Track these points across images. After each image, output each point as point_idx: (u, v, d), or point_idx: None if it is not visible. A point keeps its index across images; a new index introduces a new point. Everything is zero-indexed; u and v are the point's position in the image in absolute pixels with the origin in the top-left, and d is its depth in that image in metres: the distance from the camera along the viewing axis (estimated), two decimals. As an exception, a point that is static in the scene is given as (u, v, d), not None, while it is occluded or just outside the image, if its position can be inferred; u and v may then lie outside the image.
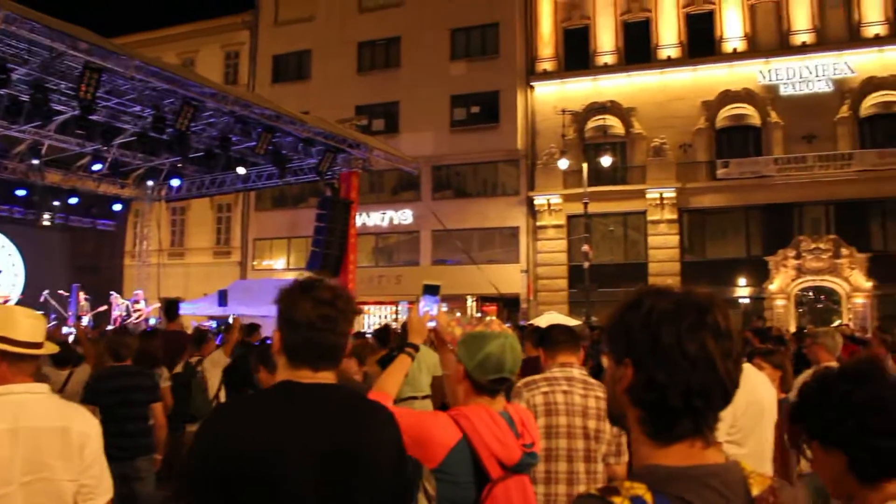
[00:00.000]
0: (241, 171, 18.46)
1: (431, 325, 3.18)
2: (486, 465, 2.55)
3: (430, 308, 3.29)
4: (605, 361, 2.58)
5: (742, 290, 28.31)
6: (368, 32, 33.47)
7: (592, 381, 3.96)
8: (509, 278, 28.65)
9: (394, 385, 2.98)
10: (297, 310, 2.08)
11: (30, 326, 2.77)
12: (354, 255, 19.06)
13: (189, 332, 10.40)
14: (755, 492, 1.31)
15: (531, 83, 31.24)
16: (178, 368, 8.00)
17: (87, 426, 2.82)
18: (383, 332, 9.48)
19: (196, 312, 22.54)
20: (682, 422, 1.31)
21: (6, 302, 16.98)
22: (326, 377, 2.11)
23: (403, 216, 31.93)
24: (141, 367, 6.44)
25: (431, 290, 3.49)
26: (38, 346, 2.78)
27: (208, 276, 32.72)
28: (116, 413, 5.62)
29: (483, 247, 30.40)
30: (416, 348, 3.10)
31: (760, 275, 27.47)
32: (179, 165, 19.48)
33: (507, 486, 2.59)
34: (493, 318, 3.04)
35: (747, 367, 4.48)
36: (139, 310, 18.70)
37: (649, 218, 29.00)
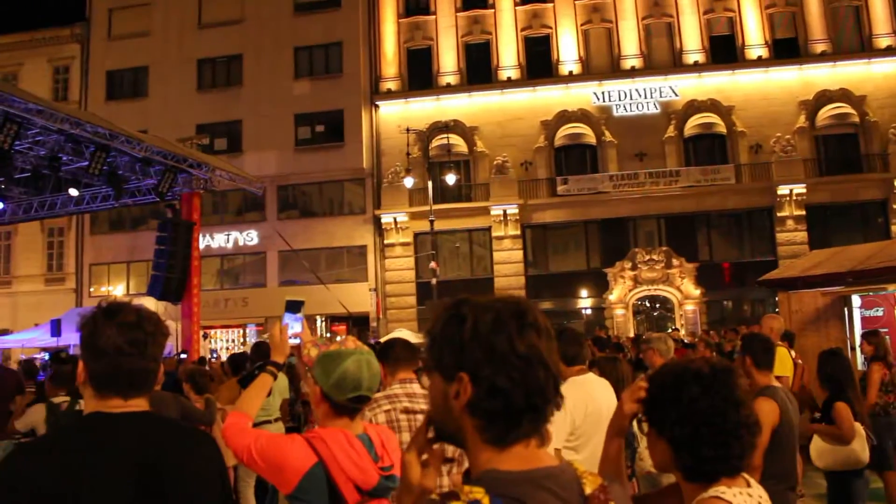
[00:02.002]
0: (73, 192, 17.47)
1: (294, 342, 3.10)
2: (343, 490, 2.50)
3: (291, 325, 3.21)
4: (425, 380, 2.59)
5: (584, 301, 29.56)
6: (209, 49, 32.62)
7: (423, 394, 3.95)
8: (358, 297, 28.54)
9: (254, 405, 2.89)
10: (101, 336, 1.96)
11: None
12: (198, 278, 18.44)
13: (15, 366, 9.71)
14: (588, 490, 1.37)
15: (375, 102, 31.46)
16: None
17: None
18: (238, 359, 9.21)
19: (26, 345, 21.14)
20: (521, 423, 1.35)
21: None
22: (139, 404, 2.01)
23: (249, 237, 31.23)
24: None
25: (293, 307, 3.41)
26: None
27: (39, 304, 30.71)
28: None
29: (331, 266, 30.21)
30: (279, 367, 3.02)
31: (601, 286, 28.77)
32: (2, 187, 18.19)
33: (366, 511, 2.56)
34: (348, 336, 2.99)
35: (589, 376, 4.65)
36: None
37: (494, 234, 29.78)
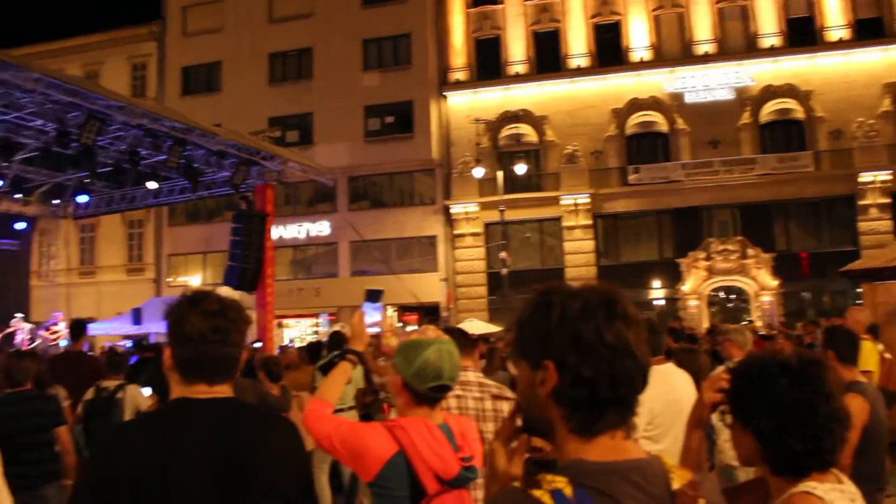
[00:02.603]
0: (152, 185, 17.94)
1: (374, 331, 3.12)
2: (423, 479, 2.51)
3: (371, 313, 3.23)
4: (513, 368, 2.56)
5: (657, 291, 29.09)
6: (280, 43, 33.09)
7: (488, 382, 3.92)
8: (429, 287, 28.68)
9: (334, 393, 2.92)
10: (187, 324, 2.02)
11: None
12: (272, 268, 18.75)
13: (98, 352, 10.03)
14: (676, 485, 1.35)
15: (444, 93, 31.46)
16: (89, 394, 7.50)
17: None
18: (314, 347, 9.41)
19: (109, 332, 21.84)
20: (608, 413, 1.34)
21: None
22: (222, 391, 2.06)
23: (320, 228, 31.62)
24: (41, 391, 6.13)
25: (373, 297, 3.44)
26: None
27: (121, 294, 31.72)
28: (17, 440, 5.34)
29: (401, 256, 30.41)
30: (359, 355, 3.04)
31: (673, 276, 28.27)
32: (87, 181, 18.79)
33: (445, 501, 2.55)
34: (429, 325, 2.99)
35: (669, 366, 4.58)
36: (57, 332, 17.91)
37: (564, 224, 29.52)
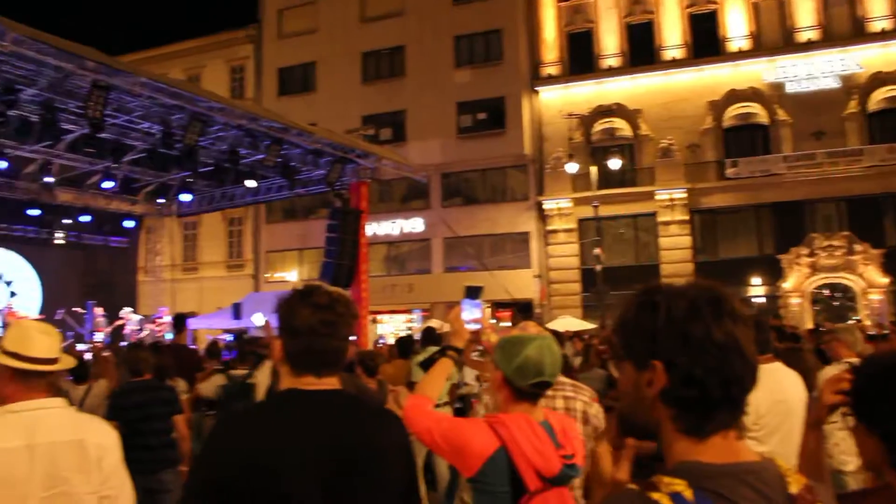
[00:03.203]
0: (250, 184, 18.43)
1: (473, 327, 3.12)
2: (524, 476, 2.49)
3: (470, 310, 3.23)
4: (616, 370, 2.49)
5: (756, 289, 28.19)
6: (372, 42, 33.52)
7: (581, 385, 3.85)
8: (521, 283, 28.60)
9: (435, 388, 2.93)
10: (297, 317, 2.07)
11: (43, 342, 2.74)
12: (366, 264, 19.01)
13: (201, 345, 10.39)
14: (793, 490, 1.31)
15: (536, 88, 31.25)
16: (221, 381, 7.94)
17: (103, 438, 2.81)
18: (406, 342, 9.53)
19: (211, 326, 22.57)
20: (719, 413, 1.32)
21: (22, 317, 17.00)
22: (330, 383, 2.10)
23: (414, 224, 31.90)
24: (160, 382, 6.44)
25: (473, 293, 3.43)
26: (52, 361, 2.74)
27: (222, 289, 32.77)
28: (139, 427, 5.62)
29: (494, 253, 30.38)
30: (459, 351, 3.04)
31: (774, 273, 27.33)
32: (189, 180, 19.45)
33: (546, 498, 2.52)
34: (529, 321, 2.97)
35: (777, 366, 4.42)
36: (163, 324, 18.67)
37: (660, 219, 28.92)
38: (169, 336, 19.64)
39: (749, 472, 1.28)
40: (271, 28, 36.32)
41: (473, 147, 31.08)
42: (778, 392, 4.12)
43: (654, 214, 29.07)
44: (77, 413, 2.90)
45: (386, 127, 31.98)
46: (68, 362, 2.87)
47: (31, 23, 10.47)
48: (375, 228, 29.79)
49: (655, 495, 1.24)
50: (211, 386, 8.00)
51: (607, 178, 28.20)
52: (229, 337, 21.24)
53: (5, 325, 15.43)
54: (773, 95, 28.39)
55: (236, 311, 22.96)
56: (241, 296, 27.34)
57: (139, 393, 5.99)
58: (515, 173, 31.32)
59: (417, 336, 11.01)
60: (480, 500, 2.56)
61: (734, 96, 28.83)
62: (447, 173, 31.58)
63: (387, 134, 31.68)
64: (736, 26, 29.17)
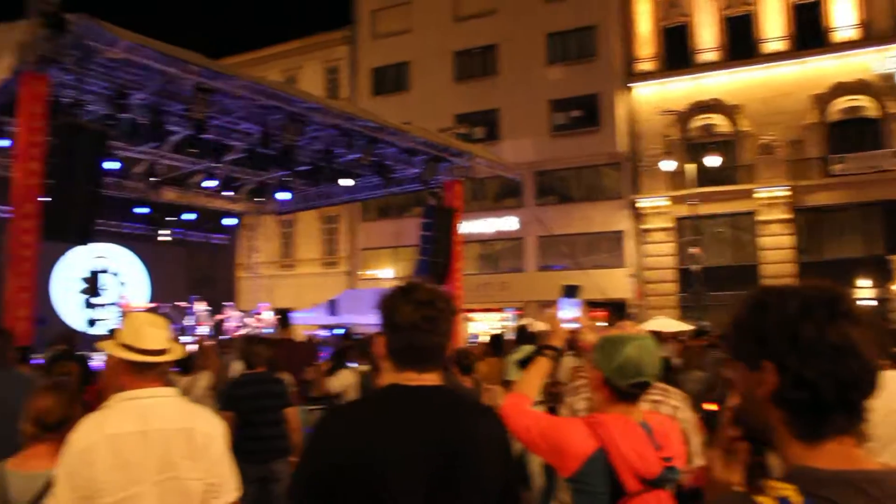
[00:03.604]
0: (346, 182, 18.76)
1: (571, 326, 3.11)
2: (623, 477, 2.47)
3: (568, 309, 3.23)
4: (727, 371, 2.41)
5: (864, 291, 26.96)
6: (465, 41, 33.61)
7: (670, 388, 3.77)
8: (616, 283, 28.21)
9: (533, 387, 2.93)
10: (399, 313, 2.12)
11: (154, 335, 2.87)
12: (460, 262, 19.10)
13: (299, 340, 10.63)
14: None
15: (630, 84, 30.71)
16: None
17: (210, 427, 2.91)
18: (498, 340, 9.56)
19: (307, 322, 23.06)
20: (833, 417, 1.28)
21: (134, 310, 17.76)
22: (432, 378, 2.14)
23: (508, 223, 31.84)
24: (273, 374, 6.63)
25: (571, 292, 3.43)
26: (162, 352, 2.87)
27: (317, 286, 33.45)
28: (252, 418, 5.82)
29: (588, 252, 30.04)
30: (557, 350, 3.03)
31: (883, 275, 26.09)
32: (287, 179, 19.96)
33: (645, 500, 2.49)
34: (626, 321, 2.94)
35: (893, 374, 4.21)
36: (263, 320, 19.21)
37: (759, 218, 28.00)
38: (268, 331, 20.21)
39: (868, 481, 1.22)
40: (365, 29, 36.84)
41: (567, 145, 30.80)
42: (893, 402, 3.93)
43: (753, 213, 28.18)
44: (186, 402, 3.02)
45: (479, 125, 32.00)
46: (178, 353, 2.99)
47: (140, 30, 10.91)
48: (469, 226, 29.81)
49: (761, 499, 1.22)
50: (338, 381, 8.27)
51: (705, 176, 27.50)
52: (325, 333, 21.71)
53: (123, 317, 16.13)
54: (883, 87, 27.07)
55: (332, 307, 23.41)
56: (336, 292, 27.89)
57: (252, 385, 6.20)
58: (610, 171, 30.88)
59: (510, 335, 11.01)
60: (579, 501, 2.54)
61: (840, 89, 27.63)
62: (541, 171, 31.39)
63: (480, 132, 31.68)
64: (842, 15, 27.96)
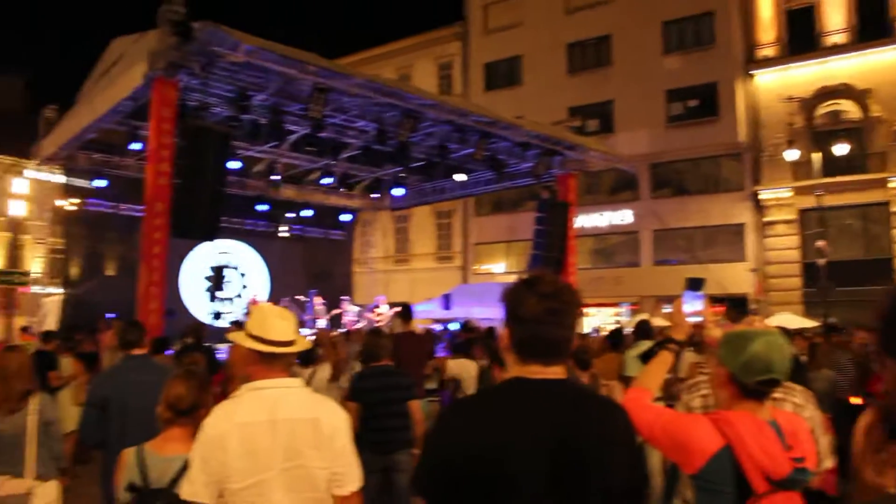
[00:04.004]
0: (460, 177, 18.89)
1: (695, 320, 3.04)
2: (750, 477, 2.38)
3: (692, 302, 3.16)
4: (879, 364, 2.32)
5: None
6: (577, 33, 33.23)
7: (793, 386, 3.59)
8: (735, 277, 27.31)
9: (655, 381, 2.88)
10: (523, 305, 2.09)
11: (281, 326, 2.97)
12: (574, 257, 18.93)
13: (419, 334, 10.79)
14: None
15: (751, 72, 29.58)
16: None
17: (335, 418, 2.97)
18: (617, 335, 9.45)
19: (422, 316, 23.33)
20: None
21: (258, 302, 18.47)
22: (556, 372, 2.11)
23: (622, 216, 31.32)
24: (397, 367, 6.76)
25: (694, 285, 3.35)
26: (289, 344, 2.97)
27: (431, 280, 33.84)
28: (377, 410, 5.96)
29: (706, 246, 29.17)
30: (680, 344, 2.97)
31: None
32: (402, 175, 20.27)
33: (774, 502, 2.40)
34: (755, 316, 2.84)
35: None
36: (381, 314, 19.61)
37: (893, 209, 26.49)
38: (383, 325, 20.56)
39: None
40: (477, 24, 36.94)
41: (684, 136, 30.01)
42: None
43: (886, 204, 26.68)
44: (312, 393, 3.11)
45: (593, 118, 31.45)
46: (303, 344, 3.08)
47: (258, 34, 11.27)
48: (583, 220, 29.51)
49: None
50: (458, 365, 8.55)
51: (832, 165, 26.21)
52: (439, 326, 21.93)
53: (248, 313, 16.80)
54: None
55: (446, 301, 23.63)
56: (449, 287, 28.13)
57: (377, 377, 6.35)
58: (729, 162, 29.85)
59: (628, 330, 10.85)
60: (703, 499, 2.47)
61: None
62: (656, 164, 30.70)
63: (594, 125, 31.16)
64: (984, -9, 26.13)
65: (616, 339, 9.41)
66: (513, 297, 2.14)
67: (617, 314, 29.95)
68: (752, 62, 29.59)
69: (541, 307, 2.07)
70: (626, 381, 7.80)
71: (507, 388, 2.12)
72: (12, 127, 46.51)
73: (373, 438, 5.84)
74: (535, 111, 26.96)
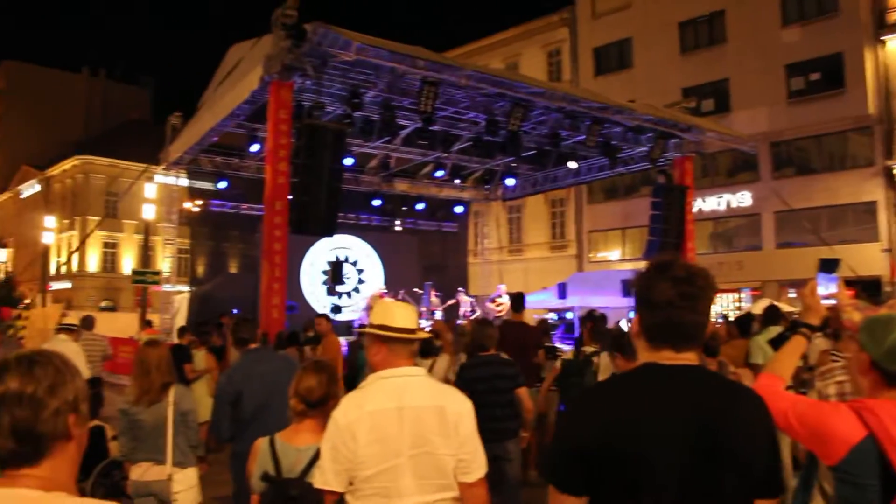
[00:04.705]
0: (572, 165, 18.68)
1: (828, 303, 2.91)
2: (897, 470, 2.25)
3: (825, 285, 3.02)
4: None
5: None
6: (689, 10, 32.27)
7: None
8: (867, 259, 25.89)
9: (787, 368, 2.77)
10: (655, 290, 2.06)
11: (404, 316, 3.07)
12: (692, 242, 18.43)
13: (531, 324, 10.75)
14: None
15: (881, 38, 27.88)
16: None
17: (459, 406, 3.02)
18: (744, 320, 9.21)
19: (537, 305, 23.25)
20: None
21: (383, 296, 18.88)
22: (689, 358, 2.07)
23: (741, 199, 30.22)
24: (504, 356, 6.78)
25: (828, 267, 3.21)
26: (412, 332, 3.05)
27: (546, 269, 33.70)
28: (486, 399, 5.99)
29: (833, 226, 27.75)
30: (813, 329, 2.85)
31: None
32: (513, 165, 20.22)
33: (924, 498, 2.26)
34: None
35: None
36: (502, 304, 19.61)
37: None
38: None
39: None
40: (585, 9, 36.40)
41: (806, 112, 28.66)
42: None
43: None
44: (436, 381, 3.20)
45: (708, 98, 30.46)
46: (423, 334, 3.16)
47: (364, 31, 11.44)
48: (700, 204, 28.71)
49: None
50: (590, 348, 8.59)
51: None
52: (554, 316, 21.79)
53: (368, 308, 17.26)
54: None
55: (562, 290, 23.44)
56: (565, 276, 27.91)
57: (485, 366, 6.42)
58: (858, 137, 28.31)
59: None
60: (843, 492, 2.35)
61: None
62: (777, 142, 29.47)
63: (709, 105, 30.20)
64: None
65: (745, 325, 9.14)
66: (644, 282, 2.11)
67: (738, 300, 29.00)
68: (883, 27, 27.80)
69: (674, 291, 2.03)
70: (755, 368, 7.54)
71: (643, 372, 2.10)
72: (143, 135, 49.21)
73: (483, 427, 5.85)
74: (648, 94, 26.32)
